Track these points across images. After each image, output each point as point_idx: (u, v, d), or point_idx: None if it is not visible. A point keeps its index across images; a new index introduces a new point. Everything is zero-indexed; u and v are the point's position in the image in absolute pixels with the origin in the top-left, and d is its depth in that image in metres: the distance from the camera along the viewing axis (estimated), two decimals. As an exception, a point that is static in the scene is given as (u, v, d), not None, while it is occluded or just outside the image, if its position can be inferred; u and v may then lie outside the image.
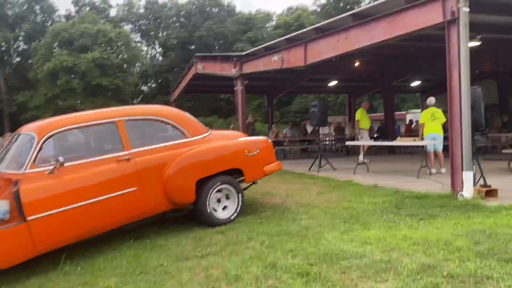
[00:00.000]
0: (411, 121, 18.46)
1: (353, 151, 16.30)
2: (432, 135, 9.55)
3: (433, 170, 9.51)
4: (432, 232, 4.79)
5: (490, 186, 6.55)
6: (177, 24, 46.60)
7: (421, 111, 26.96)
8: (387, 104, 16.64)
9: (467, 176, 6.40)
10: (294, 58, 10.85)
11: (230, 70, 14.47)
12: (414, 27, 7.27)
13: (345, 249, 4.33)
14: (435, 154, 9.68)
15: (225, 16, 47.35)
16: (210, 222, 5.73)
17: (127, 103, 45.74)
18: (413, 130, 16.85)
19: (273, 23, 47.22)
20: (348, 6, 34.65)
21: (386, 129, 16.83)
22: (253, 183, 6.40)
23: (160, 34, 49.08)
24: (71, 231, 4.76)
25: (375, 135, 18.36)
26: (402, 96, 38.69)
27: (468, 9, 6.33)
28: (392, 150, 15.86)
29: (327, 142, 19.33)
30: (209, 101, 47.22)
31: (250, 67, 13.50)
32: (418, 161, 12.02)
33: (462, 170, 6.46)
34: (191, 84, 21.59)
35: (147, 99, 48.15)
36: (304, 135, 18.61)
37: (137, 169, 5.27)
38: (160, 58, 49.61)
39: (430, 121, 9.63)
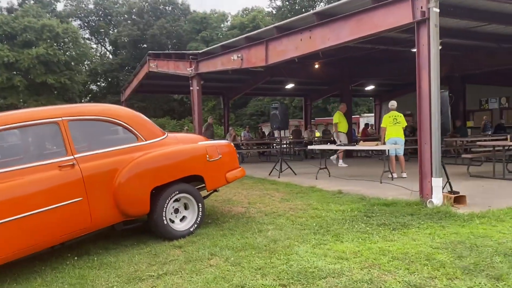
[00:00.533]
0: (367, 124, 18.52)
1: (311, 155, 16.11)
2: (393, 139, 9.41)
3: (395, 175, 9.36)
4: (410, 244, 4.46)
5: (458, 193, 6.37)
6: (129, 21, 45.04)
7: (374, 115, 27.65)
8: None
9: (436, 183, 6.19)
10: (255, 58, 10.41)
11: (185, 69, 13.82)
12: (382, 27, 7.01)
13: (320, 266, 3.90)
14: (396, 158, 9.56)
15: (179, 15, 46.36)
16: (167, 235, 5.14)
17: (75, 102, 43.69)
18: (369, 134, 16.91)
19: (228, 23, 46.72)
20: (303, 10, 34.79)
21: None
22: (214, 190, 5.86)
23: (110, 32, 47.25)
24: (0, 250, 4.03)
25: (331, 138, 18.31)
26: (355, 100, 39.36)
27: (438, 10, 6.13)
28: (349, 154, 15.78)
29: (284, 146, 19.10)
30: (162, 102, 46.00)
31: (207, 66, 12.93)
32: (376, 165, 12.06)
33: (431, 176, 6.24)
34: (143, 84, 20.67)
35: (97, 98, 46.19)
36: (261, 138, 18.22)
37: (82, 177, 4.59)
38: (111, 57, 47.74)
39: (391, 125, 9.49)
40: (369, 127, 17.84)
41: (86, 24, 48.19)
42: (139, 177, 4.93)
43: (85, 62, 48.09)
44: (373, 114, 27.85)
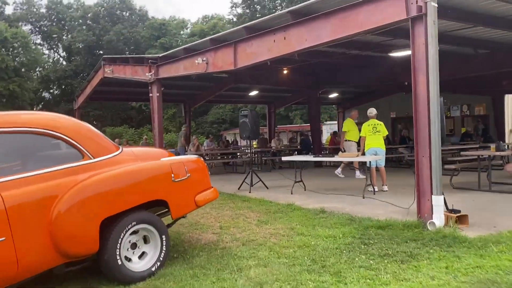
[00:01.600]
0: (335, 132, 17.80)
1: (279, 164, 15.16)
2: (373, 150, 8.62)
3: (376, 188, 8.55)
4: (430, 285, 3.54)
5: (458, 212, 5.57)
6: (84, 26, 42.86)
7: (337, 123, 27.18)
8: (312, 115, 15.74)
9: (437, 201, 5.35)
10: (222, 61, 9.36)
11: (143, 74, 12.56)
12: (370, 25, 6.16)
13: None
14: (377, 169, 8.76)
15: (137, 21, 44.62)
16: (123, 278, 3.97)
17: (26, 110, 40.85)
18: (338, 142, 16.19)
19: (188, 30, 45.44)
20: (265, 17, 34.12)
21: (312, 141, 15.93)
22: (182, 217, 4.74)
23: (64, 37, 44.78)
24: None
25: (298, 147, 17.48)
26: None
27: (436, 4, 5.33)
28: (318, 164, 14.98)
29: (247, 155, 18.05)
30: (119, 110, 43.93)
31: (168, 71, 11.75)
32: (348, 175, 11.25)
33: (431, 193, 5.39)
34: (98, 90, 19.08)
35: (49, 106, 43.45)
36: (225, 147, 17.11)
37: (5, 209, 3.38)
38: (64, 63, 45.21)
39: (371, 135, 8.70)
40: (337, 135, 17.07)
41: (37, 29, 45.47)
42: (84, 205, 3.75)
43: (37, 69, 45.36)
44: (336, 122, 27.43)
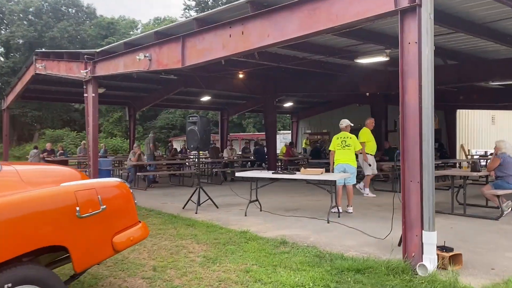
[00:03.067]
0: (292, 143, 16.71)
1: (231, 176, 13.81)
2: (342, 166, 7.53)
3: (340, 209, 7.45)
4: None
5: (452, 250, 4.50)
6: (25, 21, 39.58)
7: (291, 133, 26.31)
8: (268, 123, 14.50)
9: (429, 238, 4.23)
10: (168, 58, 7.95)
11: (78, 72, 10.86)
12: (347, 19, 5.01)
13: None
14: (342, 188, 7.66)
15: (84, 18, 41.93)
16: None
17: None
18: (294, 154, 15.13)
19: (139, 31, 43.21)
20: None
21: (267, 152, 14.73)
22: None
23: (2, 31, 41.17)
24: None
25: (252, 156, 16.24)
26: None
27: (432, -6, 4.26)
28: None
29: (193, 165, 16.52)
30: (61, 111, 40.90)
31: (106, 68, 10.14)
32: (304, 191, 10.10)
33: (421, 228, 4.28)
34: (31, 89, 16.95)
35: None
36: (172, 156, 15.54)
37: None
38: (2, 59, 41.52)
39: (340, 149, 7.61)
40: (293, 147, 16.01)
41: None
42: None
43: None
44: (289, 131, 26.55)
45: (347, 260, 4.56)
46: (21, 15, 40.44)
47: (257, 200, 7.69)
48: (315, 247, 5.18)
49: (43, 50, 13.88)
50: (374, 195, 9.61)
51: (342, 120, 8.00)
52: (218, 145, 20.80)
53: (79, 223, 2.95)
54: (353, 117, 21.69)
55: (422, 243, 4.26)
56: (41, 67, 13.23)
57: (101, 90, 17.10)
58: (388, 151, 13.20)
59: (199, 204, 7.90)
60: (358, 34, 7.54)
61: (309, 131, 24.24)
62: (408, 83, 4.44)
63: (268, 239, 5.62)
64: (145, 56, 8.33)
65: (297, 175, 6.88)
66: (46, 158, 14.96)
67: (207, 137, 7.86)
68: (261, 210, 7.72)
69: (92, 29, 39.74)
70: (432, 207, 4.24)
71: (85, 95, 10.86)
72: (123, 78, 15.59)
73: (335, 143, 7.73)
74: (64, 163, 14.88)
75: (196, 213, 7.58)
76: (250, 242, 5.44)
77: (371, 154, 9.63)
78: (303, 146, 22.27)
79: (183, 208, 8.07)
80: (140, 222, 3.53)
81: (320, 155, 13.75)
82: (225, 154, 13.73)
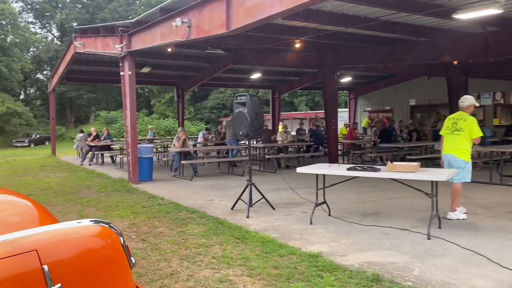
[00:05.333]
0: (356, 123, 14.43)
1: (286, 163, 12.02)
2: (445, 157, 5.55)
3: (454, 215, 5.49)
4: None
5: None
6: (78, 4, 39.30)
7: (348, 111, 23.99)
8: (329, 99, 12.32)
9: None
10: (209, 22, 6.20)
11: (114, 47, 9.43)
12: None
13: None
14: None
15: (134, -1, 41.05)
16: None
17: (14, 92, 37.71)
18: (358, 137, 13.06)
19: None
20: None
21: (326, 133, 12.74)
22: None
23: (57, 15, 41.27)
24: None
25: (308, 139, 14.30)
26: (318, 92, 35.51)
27: None
28: (335, 161, 11.86)
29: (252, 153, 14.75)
30: (115, 93, 40.73)
31: (142, 41, 8.60)
32: (380, 183, 7.94)
33: None
34: (75, 70, 15.96)
35: (43, 89, 40.22)
36: (222, 139, 13.96)
37: None
38: (58, 42, 41.80)
39: (449, 133, 5.57)
40: (356, 127, 13.79)
41: (29, 7, 41.93)
42: None
43: (30, 49, 42.01)
44: (346, 109, 24.22)
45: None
46: (74, -3, 40.27)
47: (324, 202, 5.86)
48: (428, 292, 3.32)
49: (81, 26, 12.59)
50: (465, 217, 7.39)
51: (464, 96, 5.79)
52: (270, 126, 19.05)
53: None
54: (420, 92, 19.36)
55: None
56: (79, 45, 12.00)
57: (146, 70, 15.87)
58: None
59: (250, 205, 6.21)
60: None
61: (369, 109, 21.83)
62: None
63: (350, 270, 3.81)
64: (182, 22, 6.63)
65: (383, 173, 4.97)
66: (89, 143, 13.90)
67: (260, 121, 6.08)
68: (329, 215, 5.90)
69: (142, 9, 38.80)
70: None
71: (121, 73, 9.44)
72: (169, 56, 14.15)
73: (445, 125, 5.66)
74: (107, 148, 13.76)
75: (247, 217, 5.89)
76: (325, 277, 3.66)
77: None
78: (363, 125, 20.01)
79: (231, 208, 6.42)
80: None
81: (390, 139, 11.58)
82: (278, 137, 11.94)
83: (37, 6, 41.84)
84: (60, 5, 41.10)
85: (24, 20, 40.94)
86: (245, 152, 11.39)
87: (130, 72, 9.12)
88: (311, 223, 5.46)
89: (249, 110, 5.95)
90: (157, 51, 13.73)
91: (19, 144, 32.78)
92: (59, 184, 9.43)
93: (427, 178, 4.74)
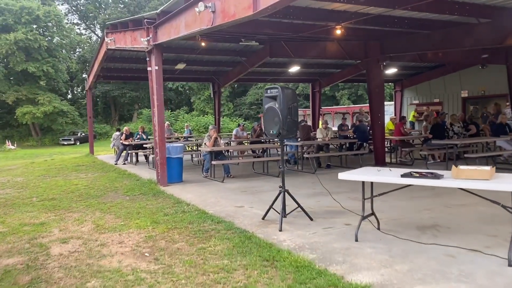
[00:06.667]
0: (404, 117, 13.11)
1: (327, 162, 11.00)
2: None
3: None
4: None
5: None
6: (119, 4, 39.71)
7: (394, 104, 22.45)
8: (374, 91, 11.02)
9: None
10: (235, 4, 5.35)
11: (141, 41, 8.79)
12: None
13: None
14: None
15: (173, -3, 40.93)
16: None
17: (61, 92, 38.67)
18: (406, 132, 11.80)
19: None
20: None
21: (371, 129, 11.58)
22: None
23: (100, 15, 41.92)
24: None
25: (351, 136, 13.17)
26: (362, 85, 33.80)
27: None
28: (381, 159, 10.72)
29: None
30: (156, 91, 40.84)
31: (168, 32, 7.88)
32: (434, 186, 6.60)
33: None
34: (111, 68, 15.66)
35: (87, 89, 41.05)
36: (257, 137, 13.13)
37: None
38: (102, 43, 42.45)
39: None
40: (405, 122, 12.41)
41: (74, 8, 42.86)
42: None
43: (77, 50, 43.02)
44: (392, 103, 22.71)
45: None
46: (115, -3, 40.72)
47: (373, 214, 4.88)
48: None
49: (113, 21, 12.13)
50: None
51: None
52: (309, 122, 18.00)
53: None
54: (472, 82, 17.61)
55: None
56: (110, 41, 11.49)
57: (181, 66, 15.29)
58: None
59: (284, 215, 5.33)
60: None
61: (417, 101, 20.27)
62: None
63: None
64: (206, 7, 5.82)
65: (448, 181, 3.93)
66: (123, 142, 13.48)
67: (294, 117, 5.17)
68: (378, 228, 4.91)
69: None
70: None
71: (148, 68, 8.81)
72: (204, 51, 13.51)
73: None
74: (141, 147, 13.27)
75: (280, 230, 5.01)
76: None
77: None
78: (409, 120, 18.55)
79: (262, 218, 5.56)
80: None
81: (444, 134, 10.28)
82: (318, 134, 10.93)
83: (82, 8, 42.70)
84: (103, 6, 41.71)
85: (69, 21, 41.93)
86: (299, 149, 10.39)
87: (157, 67, 8.46)
88: (356, 240, 4.50)
89: (280, 105, 5.06)
90: (192, 46, 13.11)
91: (65, 142, 33.56)
92: (87, 186, 8.95)
93: (508, 189, 3.66)
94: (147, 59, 8.78)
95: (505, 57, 12.47)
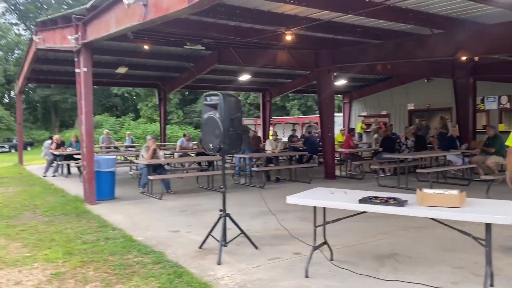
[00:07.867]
0: (352, 129, 12.79)
1: (276, 176, 10.31)
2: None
3: None
4: None
5: None
6: (63, 4, 37.45)
7: (343, 116, 22.37)
8: (324, 103, 10.55)
9: None
10: (169, -4, 4.53)
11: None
12: None
13: None
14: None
15: None
16: None
17: (-5, 96, 35.64)
18: (355, 145, 11.41)
19: None
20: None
21: (321, 141, 11.08)
22: None
23: (41, 16, 39.27)
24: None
25: (301, 147, 12.65)
26: (312, 96, 33.82)
27: None
28: (330, 176, 10.19)
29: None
30: (102, 97, 38.88)
31: (97, 29, 6.90)
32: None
33: None
34: (41, 70, 14.14)
35: (27, 93, 38.14)
36: (202, 148, 12.22)
37: None
38: (43, 45, 39.75)
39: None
40: (353, 134, 12.08)
41: (12, 8, 39.92)
42: None
43: (15, 51, 39.99)
44: (341, 114, 22.62)
45: None
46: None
47: (325, 243, 4.18)
48: None
49: (42, 19, 10.86)
50: None
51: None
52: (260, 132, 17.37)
53: None
54: (419, 96, 17.76)
55: None
56: (39, 40, 10.23)
57: (123, 70, 14.11)
58: (493, 140, 9.17)
59: (225, 243, 4.51)
60: None
61: (364, 113, 20.28)
62: None
63: None
64: (134, 0, 4.95)
65: (413, 209, 3.29)
66: (53, 152, 12.08)
67: (237, 129, 4.39)
68: (331, 260, 4.22)
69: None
70: None
71: (76, 70, 7.73)
72: (148, 54, 12.50)
73: None
74: (71, 157, 11.95)
75: (218, 263, 4.19)
76: None
77: None
78: (357, 131, 18.41)
79: (200, 247, 4.72)
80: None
81: (394, 147, 9.95)
82: (267, 146, 10.25)
83: (21, 7, 39.87)
84: (45, 6, 39.16)
85: (7, 21, 38.98)
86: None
87: (86, 69, 7.41)
88: (306, 276, 3.78)
89: (222, 115, 4.27)
90: (134, 49, 12.06)
91: (-1, 150, 30.86)
92: (1, 204, 7.66)
93: (483, 220, 3.08)
94: (75, 59, 7.70)
95: (452, 71, 12.49)
